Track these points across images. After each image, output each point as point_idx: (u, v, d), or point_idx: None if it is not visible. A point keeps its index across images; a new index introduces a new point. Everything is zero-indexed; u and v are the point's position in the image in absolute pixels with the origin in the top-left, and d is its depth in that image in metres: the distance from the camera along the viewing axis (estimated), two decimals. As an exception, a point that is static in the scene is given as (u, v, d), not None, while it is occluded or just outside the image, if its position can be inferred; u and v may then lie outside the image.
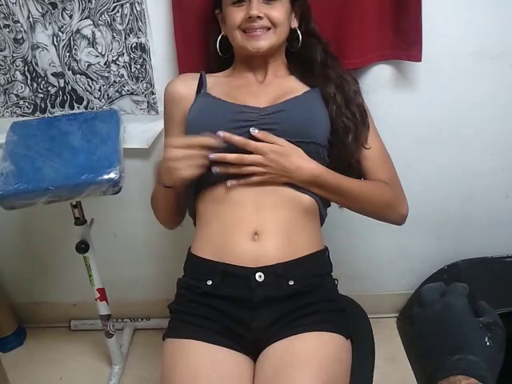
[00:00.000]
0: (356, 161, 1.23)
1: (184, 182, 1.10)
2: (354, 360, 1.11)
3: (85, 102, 1.58)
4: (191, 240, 1.24)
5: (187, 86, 1.27)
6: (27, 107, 1.60)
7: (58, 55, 1.51)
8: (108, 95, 1.57)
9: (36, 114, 1.61)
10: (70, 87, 1.56)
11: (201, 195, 1.20)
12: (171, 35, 1.44)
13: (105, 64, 1.52)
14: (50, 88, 1.56)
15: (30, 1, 1.43)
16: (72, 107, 1.59)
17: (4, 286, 1.99)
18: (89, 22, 1.46)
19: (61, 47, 1.50)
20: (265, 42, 1.18)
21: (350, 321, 1.15)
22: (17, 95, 1.58)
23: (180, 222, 1.34)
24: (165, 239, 1.87)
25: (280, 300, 1.11)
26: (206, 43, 1.38)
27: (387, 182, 1.23)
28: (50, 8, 1.44)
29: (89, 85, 1.55)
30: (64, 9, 1.44)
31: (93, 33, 1.47)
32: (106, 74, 1.53)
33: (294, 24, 1.27)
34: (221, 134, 1.09)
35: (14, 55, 1.51)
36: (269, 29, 1.18)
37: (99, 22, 1.46)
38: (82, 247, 1.55)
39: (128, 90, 1.56)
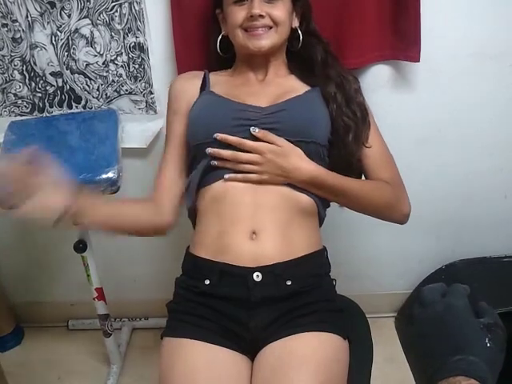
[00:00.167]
0: (357, 160, 1.22)
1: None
2: (352, 360, 1.11)
3: (83, 102, 1.58)
4: (189, 240, 1.24)
5: (192, 82, 1.27)
6: (25, 106, 1.59)
7: (57, 54, 1.50)
8: (106, 95, 1.56)
9: (34, 114, 1.60)
10: (68, 87, 1.56)
11: (201, 194, 1.20)
12: (170, 35, 1.44)
13: (103, 63, 1.52)
14: (48, 87, 1.56)
15: (29, 0, 1.43)
16: (70, 107, 1.59)
17: (2, 286, 1.99)
18: (87, 21, 1.45)
19: (59, 46, 1.49)
20: (266, 40, 1.18)
21: (347, 321, 1.15)
22: (15, 94, 1.57)
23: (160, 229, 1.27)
24: (163, 239, 1.85)
25: (278, 300, 1.11)
26: (205, 43, 1.38)
27: (388, 181, 1.23)
28: (49, 7, 1.44)
29: (87, 84, 1.55)
30: (62, 8, 1.44)
31: (91, 32, 1.47)
32: (105, 74, 1.53)
33: (295, 23, 1.26)
34: (217, 136, 1.12)
35: (12, 54, 1.51)
36: (270, 28, 1.18)
37: (98, 21, 1.45)
38: (80, 247, 1.55)
39: (126, 90, 1.55)
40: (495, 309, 0.69)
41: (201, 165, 1.17)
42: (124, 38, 1.47)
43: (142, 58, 1.50)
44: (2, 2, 1.43)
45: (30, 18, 1.45)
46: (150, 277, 1.96)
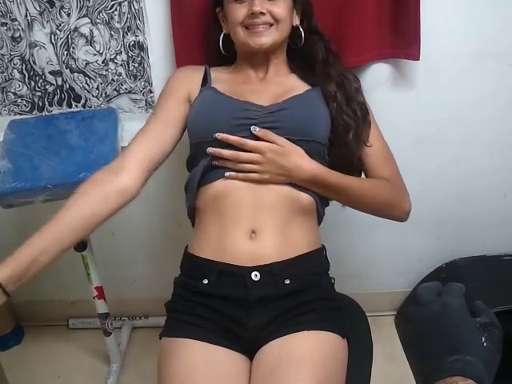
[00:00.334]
0: (357, 159, 1.23)
1: None
2: (352, 358, 1.11)
3: (83, 101, 1.58)
4: (189, 239, 1.24)
5: (193, 74, 1.28)
6: (25, 105, 1.59)
7: (56, 53, 1.50)
8: (106, 93, 1.56)
9: (34, 113, 1.60)
10: (67, 85, 1.56)
11: (201, 194, 1.20)
12: (169, 33, 1.44)
13: (103, 62, 1.51)
14: (47, 86, 1.56)
15: (28, -1, 1.43)
16: (70, 105, 1.59)
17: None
18: (87, 20, 1.45)
19: (58, 45, 1.49)
20: (267, 38, 1.18)
21: (346, 319, 1.16)
22: (14, 93, 1.57)
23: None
24: (163, 238, 1.87)
25: (276, 299, 1.11)
26: (205, 41, 1.38)
27: (389, 179, 1.23)
28: (48, 6, 1.44)
29: (87, 83, 1.55)
30: (62, 7, 1.44)
31: (91, 31, 1.47)
32: (104, 73, 1.53)
33: (296, 21, 1.26)
34: (218, 136, 1.12)
35: (12, 53, 1.51)
36: (271, 25, 1.18)
37: (97, 20, 1.45)
38: (80, 246, 1.55)
39: (126, 89, 1.55)
40: (495, 307, 0.69)
41: (201, 164, 1.17)
42: (123, 36, 1.47)
43: (142, 57, 1.50)
44: (2, 1, 1.43)
45: (29, 17, 1.45)
46: (150, 276, 1.96)
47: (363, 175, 1.27)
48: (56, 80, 1.55)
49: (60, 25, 1.46)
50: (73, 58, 1.51)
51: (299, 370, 1.00)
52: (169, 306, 1.19)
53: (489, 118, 1.63)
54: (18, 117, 1.59)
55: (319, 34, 1.29)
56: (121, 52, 1.50)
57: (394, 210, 1.25)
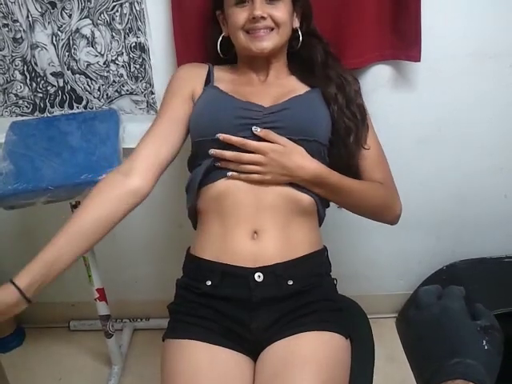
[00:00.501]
0: (355, 163, 1.23)
1: None
2: (354, 360, 1.11)
3: (84, 102, 1.58)
4: (191, 240, 1.24)
5: (197, 71, 1.28)
6: (26, 107, 1.59)
7: (58, 55, 1.51)
8: (107, 95, 1.56)
9: (35, 114, 1.60)
10: (69, 87, 1.56)
11: (202, 194, 1.20)
12: (171, 35, 1.44)
13: (104, 64, 1.52)
14: (49, 88, 1.56)
15: (29, 0, 1.43)
16: (71, 107, 1.59)
17: (3, 286, 1.99)
18: (88, 21, 1.45)
19: (60, 47, 1.49)
20: (268, 42, 1.18)
21: (349, 321, 1.16)
22: (16, 95, 1.58)
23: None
24: (164, 240, 1.87)
25: (279, 300, 1.11)
26: (205, 43, 1.38)
27: (382, 182, 1.24)
28: (50, 7, 1.44)
29: (88, 84, 1.55)
30: (63, 8, 1.44)
31: (92, 32, 1.47)
32: (106, 74, 1.53)
33: (296, 24, 1.26)
34: (220, 136, 1.12)
35: (13, 55, 1.51)
36: (272, 29, 1.18)
37: (98, 21, 1.45)
38: (81, 247, 1.54)
39: (127, 90, 1.56)
40: (495, 309, 0.69)
41: (203, 165, 1.17)
42: (125, 38, 1.47)
43: (143, 58, 1.50)
44: (3, 2, 1.43)
45: (30, 18, 1.45)
46: (152, 277, 1.96)
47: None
48: (57, 81, 1.55)
49: (61, 26, 1.46)
50: (74, 60, 1.51)
51: (303, 370, 1.01)
52: (171, 308, 1.19)
53: (489, 119, 1.63)
54: (20, 118, 1.60)
55: (318, 37, 1.29)
56: (122, 53, 1.50)
57: (386, 213, 1.26)
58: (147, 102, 1.57)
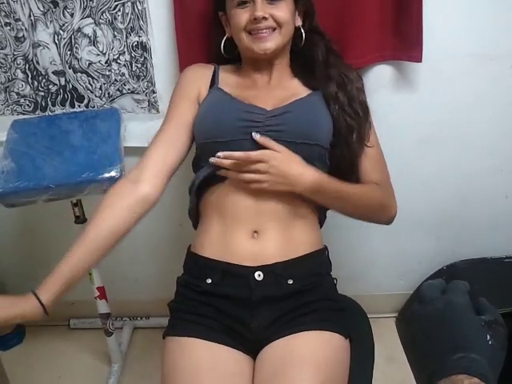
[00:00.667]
0: (358, 161, 1.23)
1: None
2: (353, 360, 1.11)
3: (85, 101, 1.58)
4: (191, 239, 1.24)
5: (204, 71, 1.28)
6: (28, 105, 1.60)
7: (59, 53, 1.51)
8: (109, 94, 1.57)
9: (37, 112, 1.61)
10: (70, 85, 1.56)
11: (204, 197, 1.21)
12: (172, 34, 1.44)
13: (106, 63, 1.52)
14: (50, 86, 1.56)
15: (32, -1, 1.43)
16: (73, 105, 1.59)
17: (3, 284, 1.99)
18: (90, 20, 1.46)
19: (62, 45, 1.50)
20: (271, 43, 1.18)
21: (349, 320, 1.16)
22: (17, 93, 1.58)
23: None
24: (165, 238, 1.87)
25: (279, 299, 1.11)
26: (208, 42, 1.39)
27: (379, 183, 1.23)
28: (52, 6, 1.44)
29: (90, 83, 1.55)
30: (65, 7, 1.44)
31: (94, 31, 1.47)
32: (107, 73, 1.53)
33: (298, 22, 1.26)
34: (220, 154, 1.10)
35: (15, 53, 1.51)
36: (274, 29, 1.18)
37: (100, 20, 1.46)
38: (82, 246, 1.55)
39: (129, 89, 1.56)
40: (496, 309, 0.68)
41: (204, 169, 1.18)
42: (127, 37, 1.48)
43: (145, 58, 1.50)
44: (5, 1, 1.44)
45: (32, 17, 1.46)
46: (152, 276, 1.96)
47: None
48: (59, 80, 1.55)
49: (63, 25, 1.47)
50: (76, 58, 1.51)
51: (302, 370, 1.01)
52: (172, 306, 1.19)
53: (489, 119, 1.63)
54: (21, 116, 1.60)
55: (320, 34, 1.29)
56: (124, 52, 1.50)
57: (382, 214, 1.26)
58: (149, 100, 1.57)
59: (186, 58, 1.43)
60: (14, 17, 1.46)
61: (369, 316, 1.30)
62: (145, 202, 1.15)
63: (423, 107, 1.60)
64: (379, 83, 1.55)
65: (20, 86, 1.56)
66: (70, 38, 1.48)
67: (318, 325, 1.09)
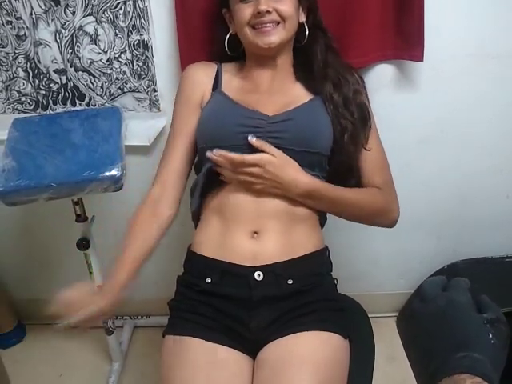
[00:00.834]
0: (357, 164, 1.22)
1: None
2: (354, 359, 1.11)
3: (87, 99, 1.58)
4: (191, 238, 1.24)
5: (206, 74, 1.27)
6: (29, 104, 1.60)
7: (61, 52, 1.51)
8: (110, 92, 1.57)
9: (38, 111, 1.61)
10: (72, 84, 1.56)
11: (205, 199, 1.22)
12: (174, 33, 1.44)
13: (107, 61, 1.52)
14: (52, 85, 1.56)
15: (33, -3, 1.43)
16: (74, 104, 1.59)
17: (4, 283, 1.99)
18: (91, 18, 1.46)
19: (63, 44, 1.50)
20: (275, 37, 1.17)
21: (349, 320, 1.16)
22: (19, 92, 1.58)
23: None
24: (165, 237, 1.86)
25: (279, 299, 1.11)
26: (209, 41, 1.38)
27: (381, 187, 1.23)
28: (53, 5, 1.44)
29: (91, 82, 1.55)
30: (67, 6, 1.44)
31: (95, 30, 1.47)
32: (109, 71, 1.53)
33: (302, 18, 1.25)
34: (216, 152, 1.11)
35: (17, 52, 1.51)
36: (278, 23, 1.17)
37: (102, 19, 1.46)
38: (83, 244, 1.55)
39: (130, 88, 1.56)
40: (497, 309, 0.68)
41: (203, 169, 1.18)
42: (128, 35, 1.48)
43: (146, 56, 1.50)
44: (7, 0, 1.43)
45: (34, 16, 1.46)
46: (152, 275, 1.95)
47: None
48: (60, 78, 1.55)
49: (65, 23, 1.47)
50: (77, 57, 1.51)
51: (301, 370, 1.01)
52: (172, 305, 1.19)
53: (489, 119, 1.63)
54: (22, 115, 1.60)
55: (323, 31, 1.28)
56: (125, 51, 1.50)
57: (382, 219, 1.26)
58: (150, 99, 1.57)
59: (187, 56, 1.43)
60: (15, 15, 1.46)
61: (369, 315, 1.30)
62: (170, 218, 1.23)
63: (424, 107, 1.60)
64: (381, 82, 1.55)
65: (21, 84, 1.56)
66: (72, 36, 1.48)
67: (318, 325, 1.09)
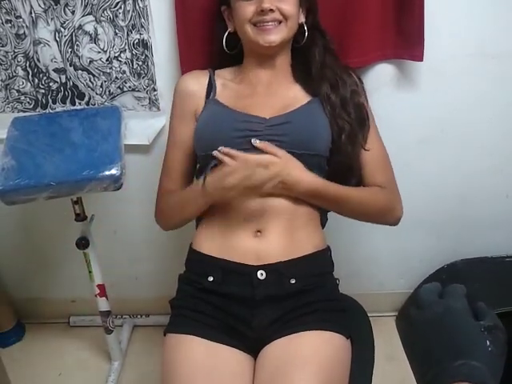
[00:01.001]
0: (356, 163, 1.22)
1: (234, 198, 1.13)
2: (354, 359, 1.12)
3: (86, 98, 1.58)
4: (191, 237, 1.24)
5: (198, 83, 1.27)
6: (28, 103, 1.59)
7: (60, 51, 1.51)
8: (110, 91, 1.56)
9: (37, 110, 1.60)
10: (71, 83, 1.56)
11: None
12: (173, 32, 1.44)
13: (107, 60, 1.52)
14: (51, 84, 1.56)
15: (33, -4, 1.43)
16: (73, 103, 1.59)
17: (3, 282, 1.99)
18: (91, 18, 1.45)
19: (63, 43, 1.49)
20: (276, 35, 1.17)
21: (350, 320, 1.16)
22: (18, 91, 1.58)
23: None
24: (165, 236, 1.85)
25: (281, 298, 1.11)
26: (209, 40, 1.38)
27: (384, 186, 1.23)
28: (53, 3, 1.44)
29: (90, 81, 1.55)
30: (66, 4, 1.44)
31: (95, 29, 1.47)
32: (108, 71, 1.53)
33: (302, 19, 1.25)
34: (220, 149, 1.11)
35: (16, 51, 1.51)
36: (280, 22, 1.17)
37: (101, 18, 1.45)
38: (83, 243, 1.55)
39: (130, 87, 1.56)
40: (496, 309, 0.68)
41: (209, 166, 1.17)
42: (128, 34, 1.47)
43: (146, 55, 1.50)
44: (6, -2, 1.43)
45: (33, 14, 1.45)
46: (152, 274, 1.96)
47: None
48: (60, 77, 1.55)
49: (64, 22, 1.46)
50: (77, 56, 1.51)
51: (303, 370, 1.01)
52: (173, 303, 1.20)
53: (489, 119, 1.63)
54: (22, 114, 1.60)
55: (321, 33, 1.28)
56: (125, 50, 1.50)
57: (385, 217, 1.26)
58: (149, 98, 1.57)
59: (186, 55, 1.43)
60: (14, 14, 1.45)
61: (369, 314, 1.30)
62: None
63: (424, 107, 1.59)
64: (381, 82, 1.54)
65: (20, 83, 1.56)
66: (71, 35, 1.48)
67: (319, 325, 1.09)
